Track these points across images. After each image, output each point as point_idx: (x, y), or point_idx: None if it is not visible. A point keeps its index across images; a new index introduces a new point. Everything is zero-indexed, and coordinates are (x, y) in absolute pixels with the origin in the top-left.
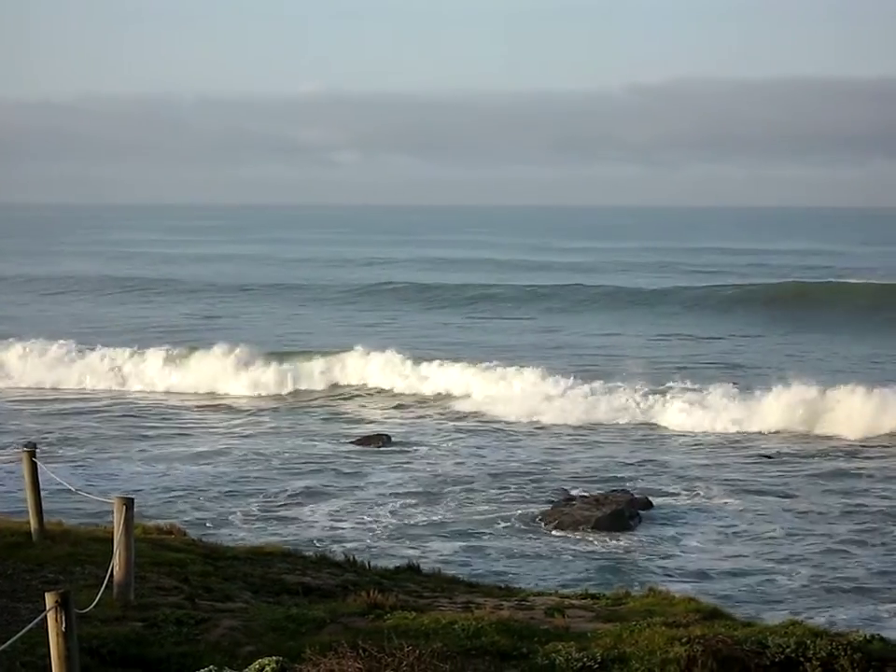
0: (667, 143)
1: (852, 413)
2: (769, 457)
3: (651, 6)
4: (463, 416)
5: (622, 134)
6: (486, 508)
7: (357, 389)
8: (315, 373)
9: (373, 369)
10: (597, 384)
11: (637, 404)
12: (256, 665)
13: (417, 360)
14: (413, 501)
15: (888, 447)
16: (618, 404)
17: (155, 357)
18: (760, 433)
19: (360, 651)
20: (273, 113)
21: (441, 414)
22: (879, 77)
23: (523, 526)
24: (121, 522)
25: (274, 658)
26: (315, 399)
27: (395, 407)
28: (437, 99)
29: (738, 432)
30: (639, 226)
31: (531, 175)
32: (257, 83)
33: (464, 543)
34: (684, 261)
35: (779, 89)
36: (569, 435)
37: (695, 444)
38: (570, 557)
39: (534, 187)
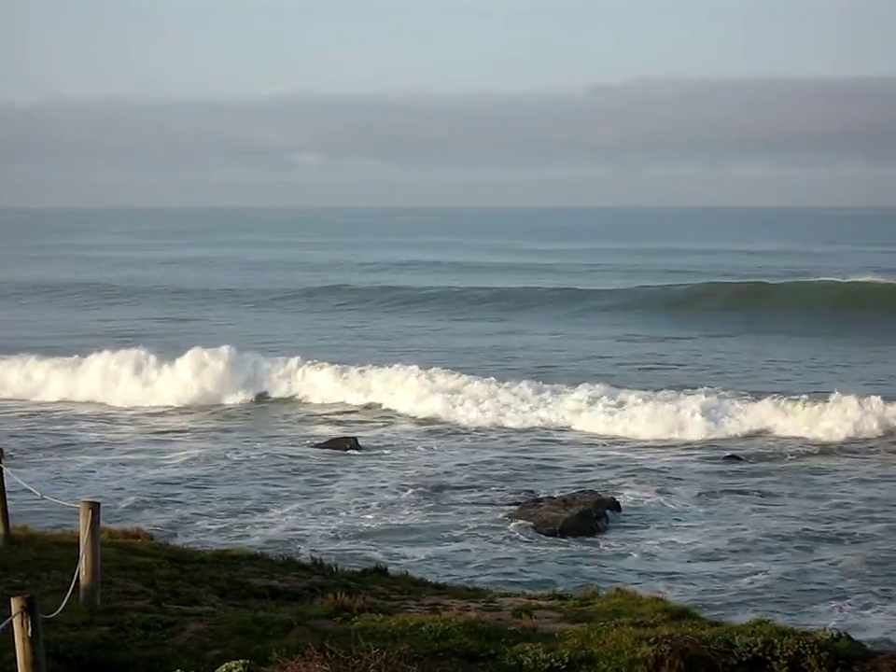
0: (631, 143)
1: (806, 416)
2: (737, 458)
3: (615, 6)
4: (427, 421)
5: (586, 135)
6: (454, 510)
7: (318, 395)
8: (274, 379)
9: (326, 375)
10: (558, 385)
11: (598, 408)
12: (223, 668)
13: (375, 366)
14: (380, 504)
15: (852, 449)
16: (579, 406)
17: (126, 363)
18: (725, 437)
19: (327, 653)
20: (235, 116)
21: (404, 419)
22: (847, 77)
23: (490, 528)
24: (87, 526)
25: (241, 661)
26: (279, 404)
27: (360, 410)
28: (399, 101)
29: (705, 440)
30: (603, 227)
31: (495, 176)
32: (219, 86)
33: (432, 545)
34: (648, 262)
35: (744, 88)
36: (536, 438)
37: (662, 447)
38: (538, 558)
39: (498, 188)
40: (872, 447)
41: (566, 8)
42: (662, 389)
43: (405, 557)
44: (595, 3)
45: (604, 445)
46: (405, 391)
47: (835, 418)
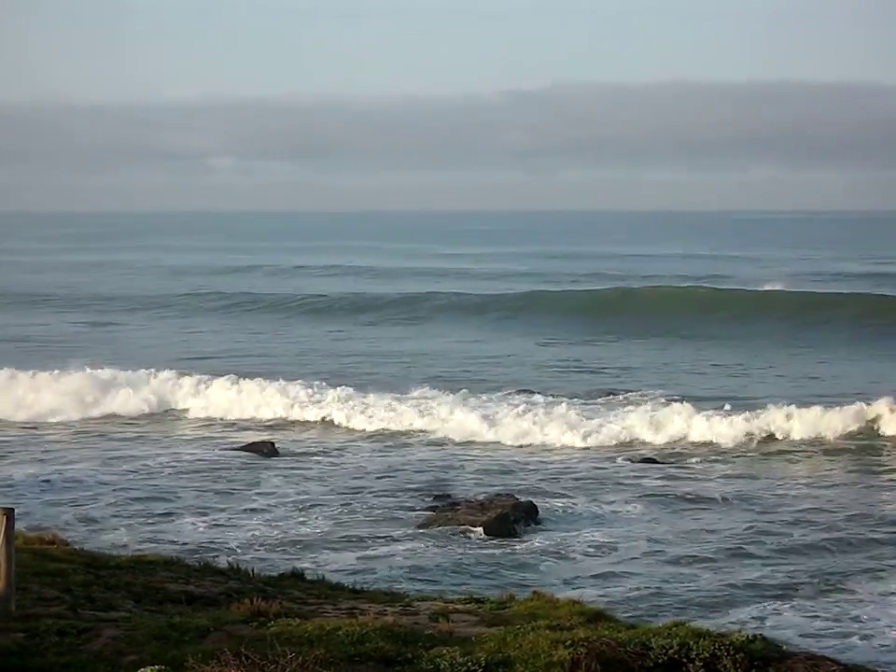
0: (546, 148)
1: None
2: (654, 461)
3: (528, 10)
4: (340, 428)
5: (501, 139)
6: (370, 515)
7: (221, 408)
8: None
9: (224, 386)
10: (464, 391)
11: (512, 413)
12: None
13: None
14: (298, 509)
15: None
16: (490, 412)
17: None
18: (642, 441)
19: (243, 658)
20: (149, 119)
21: (315, 427)
22: (756, 81)
23: (407, 532)
24: (2, 532)
25: (157, 667)
26: (183, 412)
27: (268, 422)
28: (314, 104)
29: (620, 444)
30: (517, 231)
31: (411, 180)
32: (130, 90)
33: (348, 550)
34: (558, 266)
35: (657, 93)
36: (455, 445)
37: (579, 451)
38: (455, 562)
39: (414, 192)
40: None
41: (481, 13)
42: (577, 395)
43: (322, 562)
44: (511, 7)
45: (519, 448)
46: (308, 398)
47: (743, 424)
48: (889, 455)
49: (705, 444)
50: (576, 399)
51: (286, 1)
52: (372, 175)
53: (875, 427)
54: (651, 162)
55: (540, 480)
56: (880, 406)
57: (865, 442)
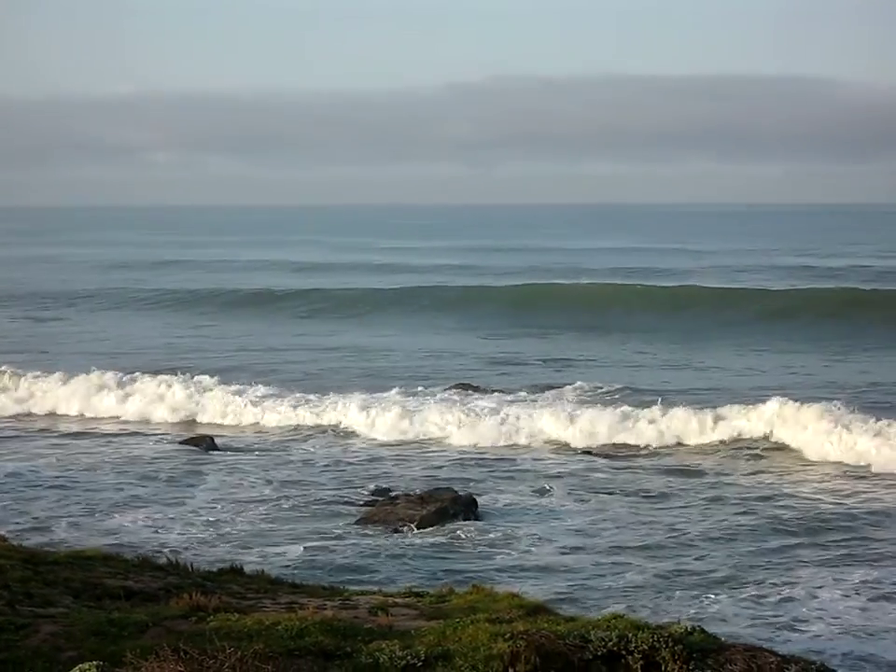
0: (487, 141)
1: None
2: (589, 453)
3: (471, 4)
4: (280, 426)
5: (441, 132)
6: (310, 510)
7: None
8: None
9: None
10: (404, 387)
11: (449, 409)
12: (76, 670)
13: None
14: (237, 504)
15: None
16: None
17: None
18: (579, 435)
19: (182, 653)
20: (88, 114)
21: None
22: (687, 75)
23: (346, 526)
24: None
25: (95, 663)
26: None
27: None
28: (255, 98)
29: (558, 438)
30: (458, 225)
31: (353, 174)
32: (72, 84)
33: (288, 545)
34: (491, 261)
35: (594, 86)
36: (389, 443)
37: (511, 447)
38: (394, 556)
39: (356, 186)
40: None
41: (423, 6)
42: (518, 390)
43: (261, 557)
44: (448, 2)
45: (460, 445)
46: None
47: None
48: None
49: (637, 438)
50: (521, 394)
51: None
52: (314, 168)
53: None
54: (591, 155)
55: (482, 474)
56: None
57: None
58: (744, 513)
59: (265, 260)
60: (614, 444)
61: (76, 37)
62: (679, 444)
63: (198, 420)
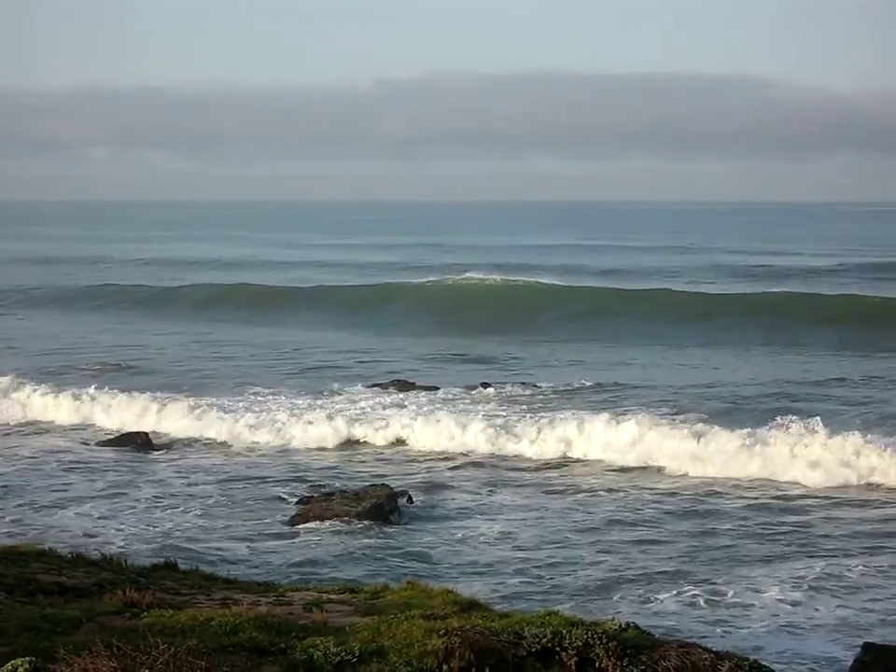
0: (420, 138)
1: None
2: (520, 455)
3: (395, 1)
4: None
5: (374, 129)
6: (245, 507)
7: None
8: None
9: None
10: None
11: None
12: (9, 666)
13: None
14: (172, 501)
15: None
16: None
17: None
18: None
19: (115, 649)
20: (24, 108)
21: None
22: (627, 73)
23: (281, 523)
24: None
25: (28, 659)
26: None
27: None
28: (193, 94)
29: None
30: (393, 221)
31: (285, 170)
32: (5, 79)
33: (223, 541)
34: (425, 259)
35: (532, 84)
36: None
37: (457, 443)
38: (330, 552)
39: (287, 182)
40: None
41: (350, 2)
42: (451, 387)
43: (196, 553)
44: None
45: (395, 443)
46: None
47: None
48: None
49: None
50: (454, 391)
51: None
52: (253, 164)
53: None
54: (531, 153)
55: (420, 471)
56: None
57: None
58: (690, 513)
59: (197, 258)
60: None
61: (10, 32)
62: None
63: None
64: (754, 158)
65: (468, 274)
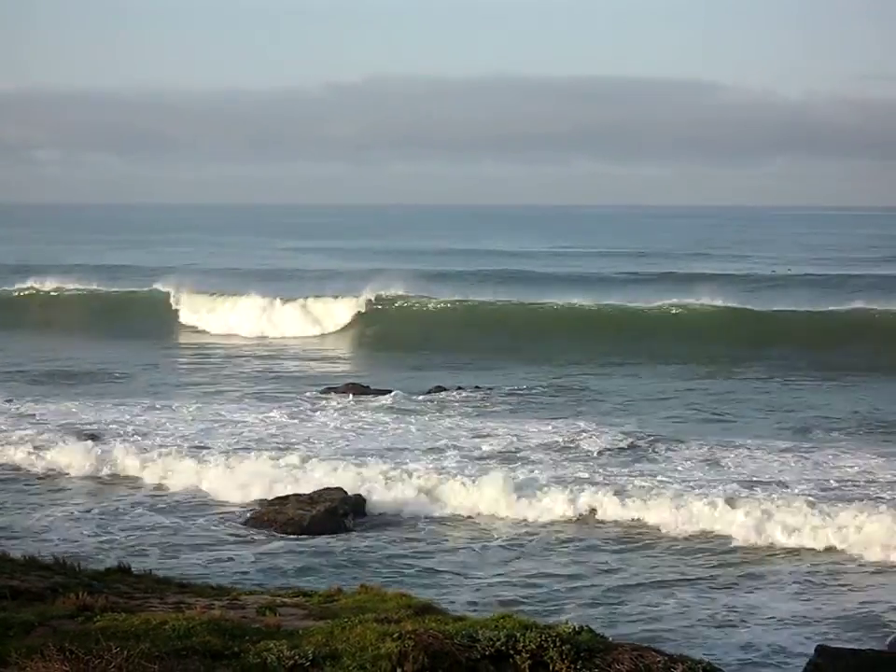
0: (370, 141)
1: None
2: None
3: (340, 3)
4: None
5: (324, 132)
6: (198, 510)
7: None
8: None
9: None
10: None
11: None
12: None
13: None
14: (120, 505)
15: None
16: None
17: None
18: None
19: (67, 653)
20: None
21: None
22: (574, 76)
23: (236, 526)
24: None
25: None
26: None
27: None
28: (137, 97)
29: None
30: (340, 224)
31: (233, 172)
32: None
33: (177, 545)
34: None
35: (480, 87)
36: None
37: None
38: (284, 556)
39: (237, 185)
40: None
41: (300, 6)
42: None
43: (148, 557)
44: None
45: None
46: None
47: None
48: None
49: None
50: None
51: None
52: (200, 167)
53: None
54: (480, 156)
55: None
56: None
57: None
58: None
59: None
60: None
61: None
62: None
63: None
64: (703, 162)
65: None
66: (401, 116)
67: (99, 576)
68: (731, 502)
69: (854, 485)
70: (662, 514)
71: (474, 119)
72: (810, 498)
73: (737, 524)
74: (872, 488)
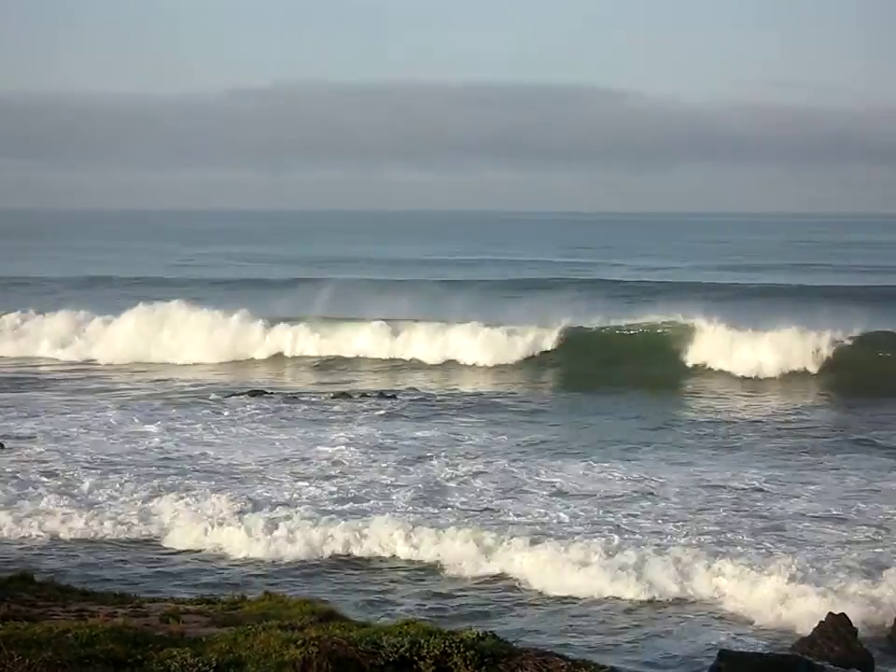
0: (277, 147)
1: None
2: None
3: (245, 7)
4: None
5: (228, 139)
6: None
7: None
8: None
9: None
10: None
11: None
12: None
13: None
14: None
15: None
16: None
17: None
18: None
19: None
20: None
21: None
22: (476, 82)
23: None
24: None
25: None
26: None
27: None
28: (38, 101)
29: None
30: (245, 230)
31: (137, 178)
32: None
33: (82, 553)
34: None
35: (386, 94)
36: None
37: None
38: (184, 561)
39: (138, 190)
40: None
41: (199, 8)
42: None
43: (50, 566)
44: (224, 5)
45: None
46: None
47: None
48: None
49: None
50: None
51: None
52: (105, 172)
53: None
54: (388, 163)
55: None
56: None
57: None
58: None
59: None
60: None
61: None
62: None
63: None
64: (608, 168)
65: None
66: (307, 121)
67: (1, 584)
68: None
69: None
70: None
71: (378, 124)
72: None
73: None
74: None
